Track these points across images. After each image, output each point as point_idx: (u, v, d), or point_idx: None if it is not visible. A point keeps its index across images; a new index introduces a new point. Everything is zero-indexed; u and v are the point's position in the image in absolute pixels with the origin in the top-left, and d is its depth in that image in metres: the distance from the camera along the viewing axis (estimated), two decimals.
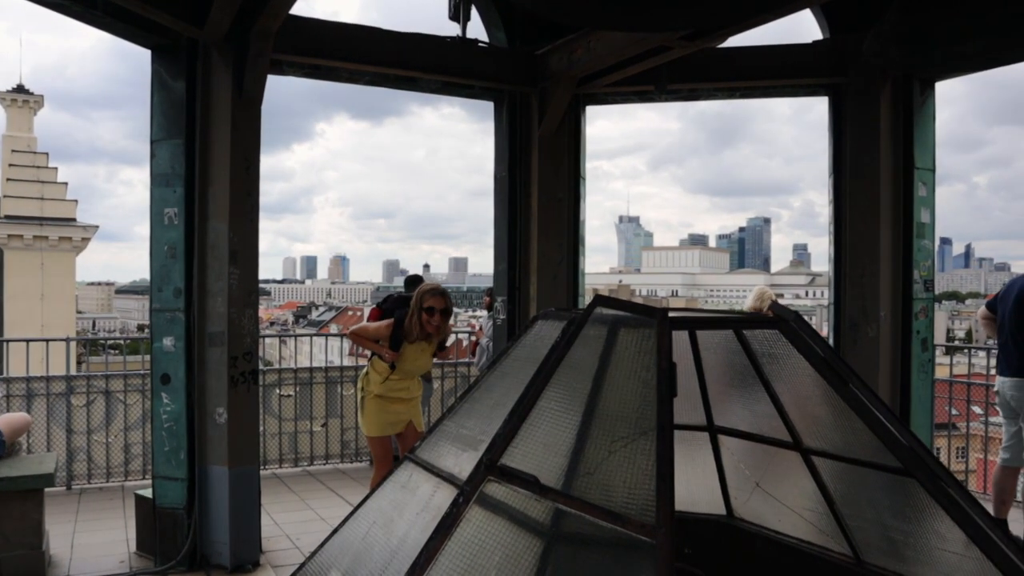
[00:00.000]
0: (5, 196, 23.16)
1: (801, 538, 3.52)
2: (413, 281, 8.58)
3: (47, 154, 24.35)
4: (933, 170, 6.14)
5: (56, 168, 24.02)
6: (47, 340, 7.80)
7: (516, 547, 2.38)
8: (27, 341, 8.07)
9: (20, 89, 24.66)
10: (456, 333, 11.51)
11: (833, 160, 6.22)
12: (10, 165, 23.34)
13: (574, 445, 2.53)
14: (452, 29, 6.20)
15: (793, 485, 3.51)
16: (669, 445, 2.28)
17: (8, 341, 8.53)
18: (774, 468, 3.67)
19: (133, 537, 5.72)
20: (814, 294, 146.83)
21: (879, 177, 5.95)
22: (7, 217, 22.77)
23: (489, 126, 6.71)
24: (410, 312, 5.34)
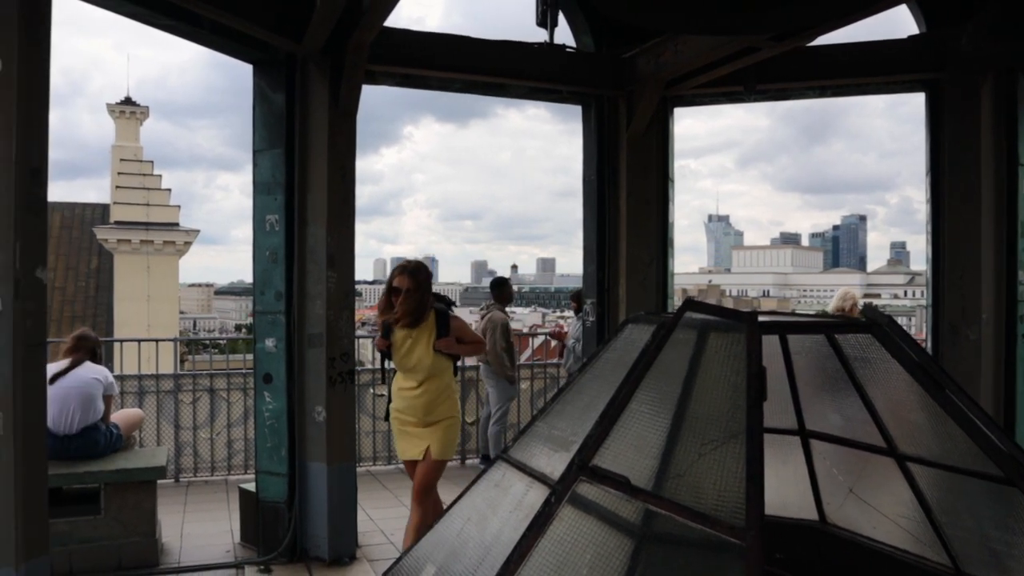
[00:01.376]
0: (115, 203, 24.43)
1: (897, 546, 3.45)
2: (499, 284, 8.66)
3: (152, 162, 25.56)
4: None
5: (160, 175, 25.18)
6: (156, 340, 8.25)
7: (607, 546, 2.44)
8: (138, 341, 8.55)
9: (128, 101, 25.94)
10: (544, 335, 11.54)
11: (931, 157, 6.06)
12: (119, 174, 24.60)
13: (664, 447, 2.57)
14: (539, 35, 6.30)
15: (888, 492, 3.46)
16: (759, 448, 2.31)
17: (122, 341, 9.03)
18: (868, 474, 3.61)
19: (237, 528, 6.00)
20: (913, 294, 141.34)
21: (980, 174, 5.77)
22: (116, 223, 24.01)
23: (574, 127, 6.84)
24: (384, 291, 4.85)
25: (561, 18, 6.44)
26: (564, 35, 6.48)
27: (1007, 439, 2.82)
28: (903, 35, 6.08)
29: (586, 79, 6.41)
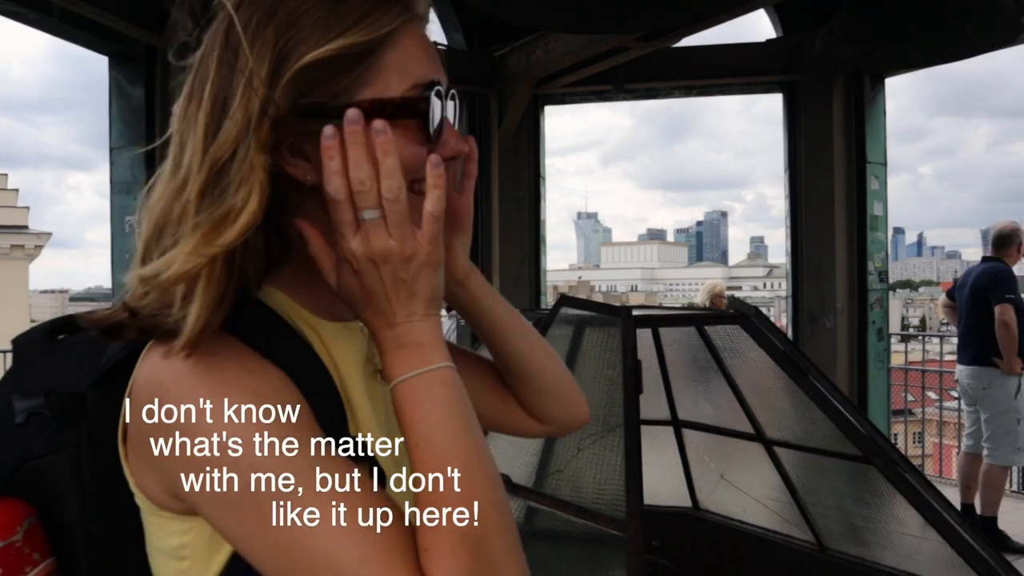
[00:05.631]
0: None
1: (766, 527, 3.58)
2: None
3: None
4: (885, 164, 6.28)
5: (7, 174, 23.51)
6: (4, 352, 7.65)
7: None
8: None
9: None
10: None
11: (788, 156, 6.34)
12: None
13: (543, 443, 2.58)
14: None
15: (757, 476, 3.59)
16: (636, 441, 2.34)
17: None
18: (738, 460, 3.74)
19: None
20: (771, 285, 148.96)
21: (833, 171, 6.09)
22: None
23: None
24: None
25: (432, 15, 6.38)
26: (435, 32, 6.43)
27: (864, 420, 2.98)
28: (763, 39, 6.36)
29: (457, 77, 6.37)
